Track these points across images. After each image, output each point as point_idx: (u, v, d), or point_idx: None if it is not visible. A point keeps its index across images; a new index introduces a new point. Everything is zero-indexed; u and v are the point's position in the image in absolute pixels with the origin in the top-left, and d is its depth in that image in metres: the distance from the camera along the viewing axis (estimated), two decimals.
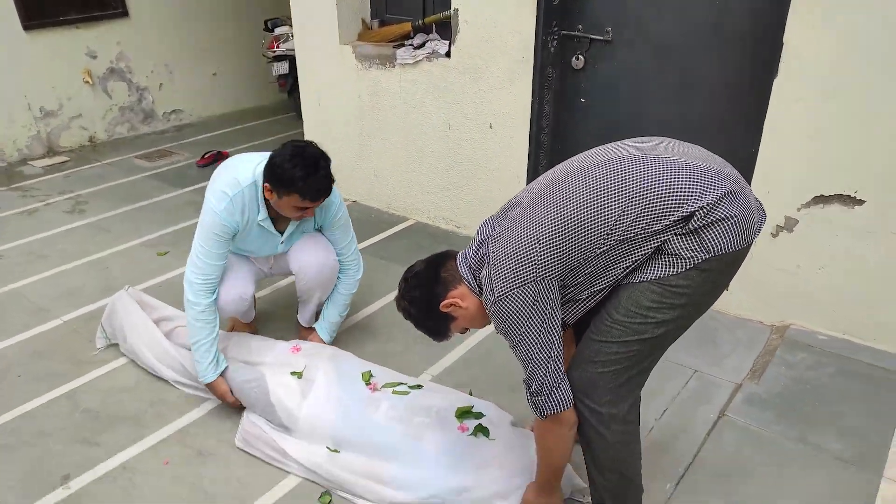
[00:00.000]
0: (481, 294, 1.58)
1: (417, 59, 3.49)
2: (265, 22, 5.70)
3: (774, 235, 2.66)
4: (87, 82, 5.19)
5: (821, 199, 2.53)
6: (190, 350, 2.40)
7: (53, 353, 2.67)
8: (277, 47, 5.46)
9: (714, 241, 1.39)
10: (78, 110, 5.23)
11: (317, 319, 2.63)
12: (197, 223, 2.21)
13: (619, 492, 1.63)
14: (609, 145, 1.57)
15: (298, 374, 2.23)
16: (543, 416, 1.54)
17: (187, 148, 5.29)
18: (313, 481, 2.02)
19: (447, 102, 3.47)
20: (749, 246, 1.47)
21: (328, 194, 2.17)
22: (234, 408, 2.27)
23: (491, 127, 3.36)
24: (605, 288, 1.49)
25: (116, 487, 2.03)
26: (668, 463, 2.08)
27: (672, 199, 1.38)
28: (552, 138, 3.27)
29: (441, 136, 3.58)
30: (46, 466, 2.11)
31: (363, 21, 3.87)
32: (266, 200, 2.20)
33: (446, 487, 1.87)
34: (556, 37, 3.04)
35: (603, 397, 1.54)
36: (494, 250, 1.51)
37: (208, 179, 2.24)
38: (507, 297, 1.46)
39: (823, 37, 2.33)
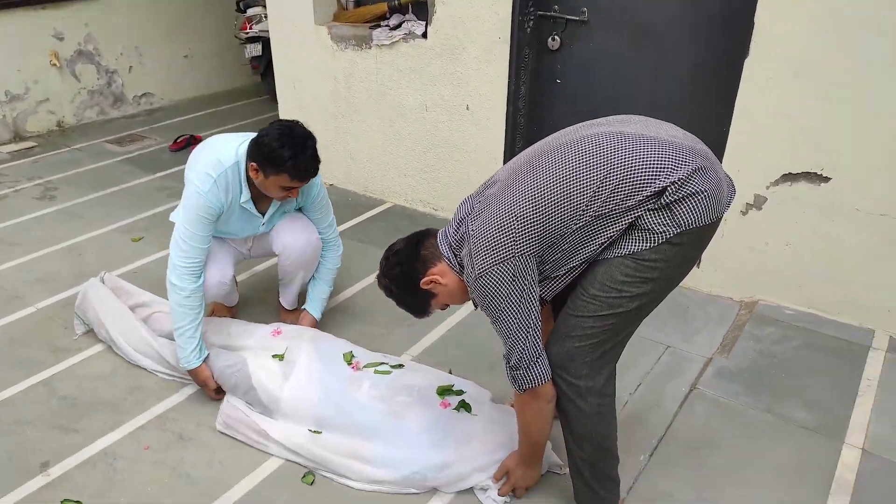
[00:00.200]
0: (461, 271, 1.61)
1: (394, 40, 3.47)
2: (237, 3, 5.60)
3: (744, 213, 2.72)
4: (55, 64, 5.06)
5: (789, 177, 2.59)
6: (167, 338, 2.40)
7: (29, 341, 2.64)
8: (250, 29, 5.37)
9: (685, 215, 1.43)
10: (45, 94, 5.11)
11: (300, 303, 2.63)
12: (172, 208, 2.19)
13: (596, 462, 1.68)
14: (583, 123, 1.60)
15: (280, 357, 2.24)
16: (522, 390, 1.58)
17: (159, 132, 5.21)
18: (296, 462, 2.04)
19: (424, 84, 3.47)
20: (719, 220, 1.51)
21: (315, 174, 2.17)
22: (213, 399, 2.27)
23: (468, 108, 3.37)
24: (581, 264, 1.53)
25: (97, 473, 2.03)
26: (641, 435, 2.14)
27: (645, 175, 1.42)
28: (528, 119, 3.30)
29: (418, 117, 3.58)
30: (25, 454, 2.09)
31: (338, 1, 3.83)
32: (248, 181, 2.19)
33: (428, 464, 1.91)
34: (532, 17, 3.05)
35: (580, 371, 1.58)
36: (474, 228, 1.53)
37: (182, 164, 2.23)
38: (487, 273, 1.49)
39: (794, 17, 2.38)
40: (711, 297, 2.91)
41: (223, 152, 2.16)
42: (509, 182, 1.54)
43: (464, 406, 2.05)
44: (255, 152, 2.08)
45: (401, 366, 2.28)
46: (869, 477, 1.97)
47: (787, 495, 1.92)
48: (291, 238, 2.41)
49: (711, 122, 2.71)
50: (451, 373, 2.34)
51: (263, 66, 5.45)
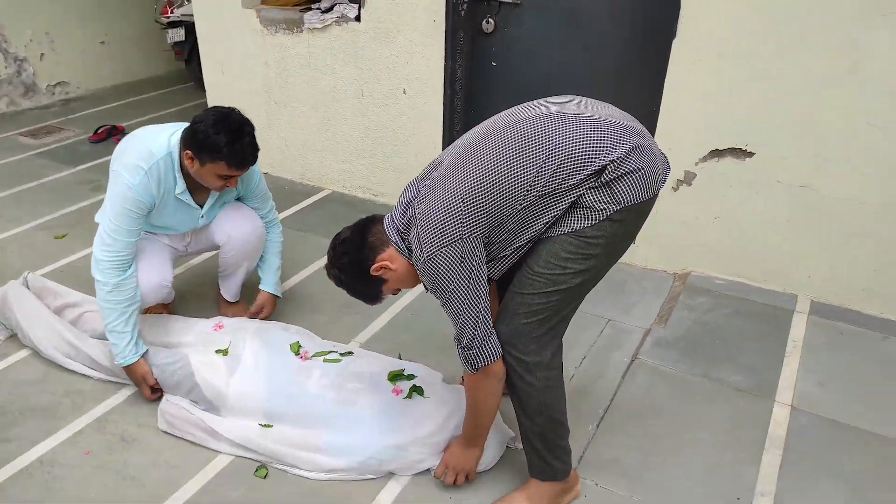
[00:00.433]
0: (411, 255, 1.61)
1: (326, 23, 3.40)
2: None
3: (675, 189, 2.84)
4: None
5: (716, 154, 2.71)
6: (101, 338, 2.30)
7: None
8: (171, 12, 5.15)
9: (624, 192, 1.48)
10: None
11: (243, 294, 2.57)
12: (96, 202, 2.09)
13: (547, 434, 1.72)
14: (524, 105, 1.63)
15: (224, 352, 2.19)
16: (475, 370, 1.60)
17: (77, 123, 4.94)
18: (248, 457, 2.01)
19: (359, 68, 3.42)
20: (656, 196, 1.57)
21: (254, 162, 2.11)
22: (149, 399, 2.19)
23: (404, 92, 3.35)
24: (526, 243, 1.56)
25: (34, 483, 1.93)
26: (588, 406, 2.21)
27: (586, 154, 1.46)
28: (465, 103, 3.31)
29: (354, 103, 3.53)
30: None
31: None
32: (183, 171, 2.11)
33: (383, 448, 1.91)
34: (466, 0, 3.05)
35: (528, 346, 1.61)
36: (420, 211, 1.54)
37: (103, 156, 2.14)
38: (435, 256, 1.50)
39: (717, 1, 2.47)
40: (647, 272, 3.02)
41: (155, 143, 2.07)
42: (454, 164, 1.55)
43: (416, 390, 2.06)
44: (190, 139, 2.01)
45: (350, 353, 2.26)
46: (799, 431, 2.10)
47: (725, 454, 2.03)
48: (234, 227, 2.34)
49: (643, 101, 2.80)
50: (400, 357, 2.35)
51: (187, 51, 5.23)
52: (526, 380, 1.64)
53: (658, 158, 1.58)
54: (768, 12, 2.42)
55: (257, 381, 2.08)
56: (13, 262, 3.05)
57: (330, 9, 3.44)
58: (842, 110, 2.43)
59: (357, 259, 1.64)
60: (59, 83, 5.45)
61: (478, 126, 1.64)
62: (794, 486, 1.91)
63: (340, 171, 3.79)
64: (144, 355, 2.15)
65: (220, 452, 2.02)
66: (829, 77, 2.41)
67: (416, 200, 1.57)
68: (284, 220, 3.43)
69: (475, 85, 3.26)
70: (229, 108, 2.08)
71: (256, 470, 1.97)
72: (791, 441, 2.06)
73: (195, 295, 2.81)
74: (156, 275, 2.24)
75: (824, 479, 1.93)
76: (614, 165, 1.46)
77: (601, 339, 2.56)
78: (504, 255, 1.58)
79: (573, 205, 1.50)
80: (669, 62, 2.65)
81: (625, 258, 1.68)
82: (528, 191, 1.48)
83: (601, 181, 1.47)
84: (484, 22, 3.08)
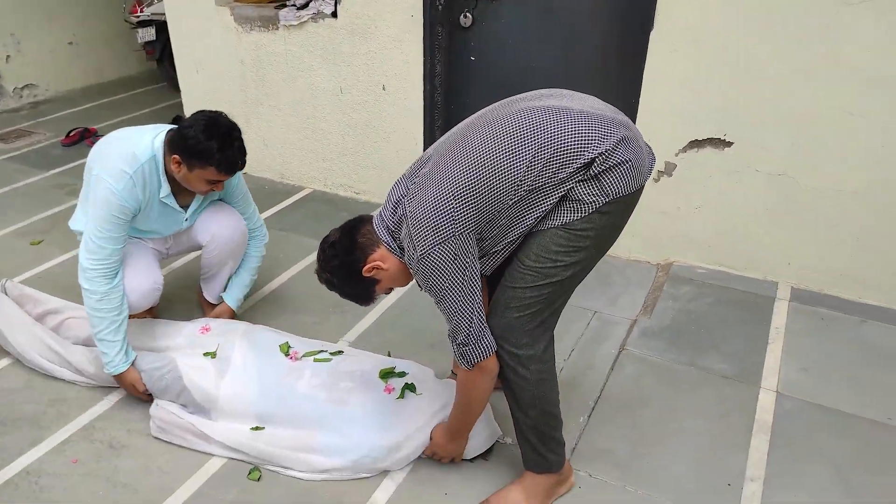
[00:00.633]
0: (402, 254, 1.61)
1: (302, 20, 3.37)
2: None
3: (657, 181, 2.87)
4: None
5: (695, 144, 2.75)
6: (85, 345, 2.26)
7: None
8: (141, 11, 5.06)
9: (612, 185, 1.49)
10: None
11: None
12: (72, 206, 2.04)
13: (541, 427, 1.73)
14: (509, 99, 1.63)
15: (212, 355, 2.16)
16: (471, 366, 1.60)
17: (47, 126, 4.82)
18: (240, 460, 1.99)
19: (337, 65, 3.39)
20: (642, 187, 1.59)
21: (243, 167, 2.11)
22: (143, 400, 2.17)
23: (384, 89, 3.33)
24: (517, 238, 1.56)
25: (20, 494, 1.89)
26: (578, 398, 2.23)
27: (576, 147, 1.46)
28: (445, 97, 3.30)
29: (333, 100, 3.50)
30: None
31: None
32: (167, 176, 2.08)
33: (378, 446, 1.91)
34: None
35: (521, 340, 1.62)
36: (411, 209, 1.53)
37: (77, 159, 2.10)
38: (428, 254, 1.49)
39: None
40: (631, 263, 3.05)
41: (138, 146, 2.03)
42: (443, 161, 1.55)
43: (408, 387, 2.06)
44: (180, 145, 1.99)
45: (340, 352, 2.25)
46: (784, 416, 2.15)
47: (715, 440, 2.06)
48: (217, 226, 2.32)
49: (622, 94, 2.82)
50: (389, 355, 2.34)
51: (159, 51, 5.16)
52: (519, 373, 1.65)
53: (644, 150, 1.60)
54: (745, 3, 2.45)
55: (248, 383, 2.06)
56: None
57: (306, 5, 3.40)
58: (819, 99, 2.48)
59: (348, 261, 1.63)
60: (26, 85, 5.32)
61: (463, 121, 1.64)
62: (783, 470, 1.95)
63: (321, 169, 3.76)
64: (133, 362, 2.12)
65: (213, 455, 2.00)
66: (806, 65, 2.45)
67: (406, 198, 1.57)
68: (266, 220, 3.37)
69: (454, 80, 3.26)
70: (216, 112, 2.06)
71: (249, 472, 1.95)
72: (778, 426, 2.11)
73: (178, 298, 2.77)
74: (146, 279, 2.21)
75: (811, 463, 1.97)
76: (603, 158, 1.47)
77: (588, 331, 2.58)
78: (496, 251, 1.58)
79: (563, 198, 1.51)
80: (648, 53, 2.67)
81: (609, 251, 1.70)
82: (518, 185, 1.48)
83: (590, 174, 1.48)
84: (461, 16, 3.07)
